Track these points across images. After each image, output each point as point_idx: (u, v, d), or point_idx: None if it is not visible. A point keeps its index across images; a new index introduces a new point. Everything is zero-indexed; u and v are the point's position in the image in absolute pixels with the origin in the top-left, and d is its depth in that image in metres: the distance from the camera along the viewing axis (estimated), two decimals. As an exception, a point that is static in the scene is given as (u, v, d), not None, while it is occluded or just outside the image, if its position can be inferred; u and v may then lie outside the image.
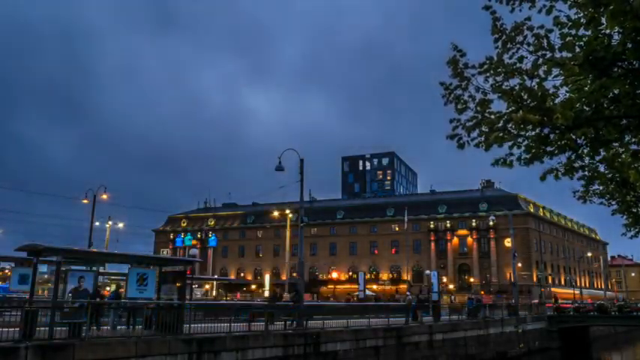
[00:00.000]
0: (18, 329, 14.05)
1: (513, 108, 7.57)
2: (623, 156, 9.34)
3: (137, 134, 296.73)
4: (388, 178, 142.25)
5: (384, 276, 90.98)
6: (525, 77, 7.56)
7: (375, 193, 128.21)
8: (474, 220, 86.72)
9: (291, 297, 26.86)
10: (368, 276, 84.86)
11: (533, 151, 7.90)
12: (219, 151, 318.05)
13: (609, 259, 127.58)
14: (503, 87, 7.73)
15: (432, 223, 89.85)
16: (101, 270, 29.49)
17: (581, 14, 7.07)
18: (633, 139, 8.06)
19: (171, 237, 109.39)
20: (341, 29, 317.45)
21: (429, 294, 42.11)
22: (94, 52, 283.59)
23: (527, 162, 8.02)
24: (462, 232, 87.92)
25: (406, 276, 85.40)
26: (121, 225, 53.30)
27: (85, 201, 39.60)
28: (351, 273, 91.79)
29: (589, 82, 7.19)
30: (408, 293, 59.81)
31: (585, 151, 8.41)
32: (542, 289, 71.43)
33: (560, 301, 57.78)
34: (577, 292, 78.22)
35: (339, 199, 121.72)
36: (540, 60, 7.33)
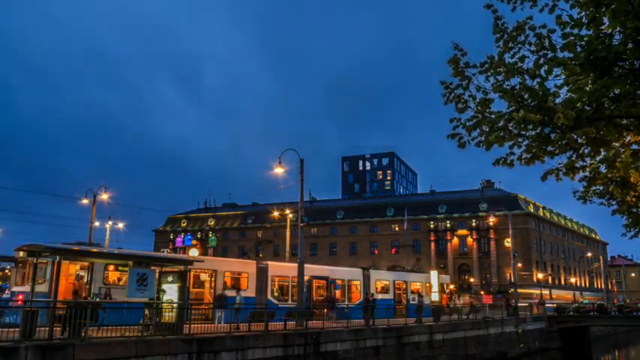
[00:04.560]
0: (18, 329, 14.03)
1: (514, 107, 7.55)
2: (624, 156, 9.32)
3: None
4: (388, 178, 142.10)
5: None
6: (526, 77, 7.54)
7: (375, 193, 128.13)
8: (473, 220, 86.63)
9: None
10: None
11: (534, 150, 7.88)
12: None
13: (609, 259, 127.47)
14: (504, 86, 7.70)
15: (431, 223, 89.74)
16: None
17: (583, 14, 7.06)
18: (633, 139, 8.06)
19: (171, 237, 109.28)
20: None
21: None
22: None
23: (527, 162, 8.01)
24: (462, 232, 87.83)
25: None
26: (120, 225, 53.22)
27: (85, 201, 39.50)
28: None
29: (590, 81, 7.18)
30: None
31: (586, 151, 8.39)
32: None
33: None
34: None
35: (339, 199, 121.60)
36: (542, 60, 7.32)
